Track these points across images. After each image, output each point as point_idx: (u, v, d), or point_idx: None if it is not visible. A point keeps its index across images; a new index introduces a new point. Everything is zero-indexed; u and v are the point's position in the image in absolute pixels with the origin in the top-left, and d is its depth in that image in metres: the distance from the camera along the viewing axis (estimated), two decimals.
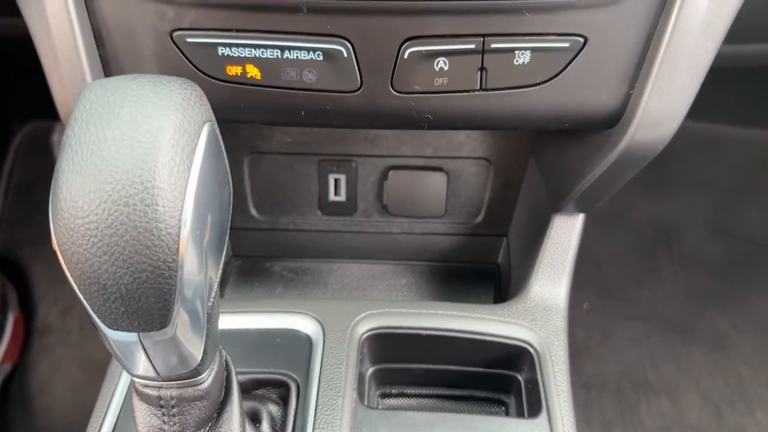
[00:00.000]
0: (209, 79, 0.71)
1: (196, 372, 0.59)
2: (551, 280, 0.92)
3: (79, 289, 0.52)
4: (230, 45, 0.69)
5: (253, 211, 1.21)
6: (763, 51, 1.37)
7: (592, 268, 1.90)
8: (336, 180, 1.17)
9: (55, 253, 0.52)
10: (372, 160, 1.15)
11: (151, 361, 0.57)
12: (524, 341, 0.85)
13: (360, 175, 1.17)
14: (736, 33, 1.15)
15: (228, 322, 0.87)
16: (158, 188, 0.48)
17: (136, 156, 0.49)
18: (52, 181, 0.51)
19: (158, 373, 0.58)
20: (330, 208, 1.20)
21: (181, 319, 0.54)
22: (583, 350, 1.77)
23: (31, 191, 2.06)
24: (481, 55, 0.69)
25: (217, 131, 0.56)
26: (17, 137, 2.13)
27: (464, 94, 0.72)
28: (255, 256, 1.22)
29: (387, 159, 1.15)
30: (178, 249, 0.50)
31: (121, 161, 0.49)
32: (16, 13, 0.85)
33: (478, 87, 0.72)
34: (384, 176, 1.17)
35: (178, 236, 0.50)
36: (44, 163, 2.04)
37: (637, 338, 1.80)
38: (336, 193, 1.18)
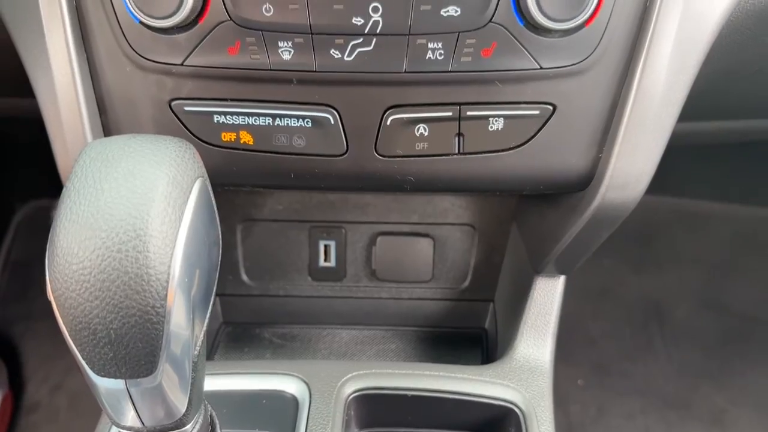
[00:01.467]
0: (205, 144, 0.76)
1: (181, 423, 0.60)
2: (536, 341, 0.93)
3: (69, 335, 0.54)
4: (225, 113, 0.75)
5: (245, 277, 1.23)
6: (741, 128, 1.44)
7: (586, 344, 1.90)
8: (326, 246, 1.20)
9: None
10: (361, 226, 1.19)
11: (137, 411, 0.58)
12: (510, 402, 0.86)
13: (349, 241, 1.21)
14: (716, 111, 1.23)
15: (215, 384, 0.87)
16: (150, 236, 0.52)
17: (131, 206, 0.52)
18: (50, 231, 0.55)
19: (144, 424, 0.59)
20: (320, 274, 1.23)
21: (167, 367, 0.55)
22: (578, 427, 1.74)
23: (27, 269, 2.08)
24: (458, 122, 0.74)
25: (209, 187, 0.60)
26: (17, 215, 2.18)
27: (443, 157, 0.77)
28: (245, 322, 1.24)
29: (375, 225, 1.19)
30: (166, 295, 0.53)
31: (116, 210, 0.52)
32: (19, 94, 0.91)
33: (456, 151, 0.76)
34: (372, 242, 1.21)
35: (167, 283, 0.53)
36: (42, 242, 2.07)
37: (633, 414, 1.78)
38: (326, 258, 1.21)
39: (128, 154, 0.56)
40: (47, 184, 2.11)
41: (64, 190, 0.55)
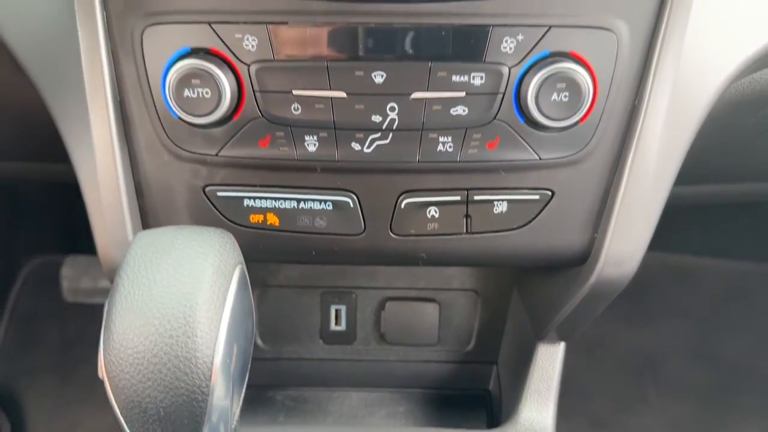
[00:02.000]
0: (235, 225, 0.83)
1: None
2: (539, 406, 0.99)
3: (121, 413, 0.60)
4: (254, 197, 0.82)
5: (259, 341, 1.29)
6: (726, 191, 1.53)
7: (581, 398, 1.94)
8: (337, 311, 1.26)
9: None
10: (370, 291, 1.25)
11: None
12: None
13: (359, 305, 1.27)
14: (701, 178, 1.31)
15: None
16: (198, 322, 0.58)
17: (180, 295, 0.59)
18: (104, 317, 0.61)
19: None
20: (331, 338, 1.29)
21: None
22: None
23: (32, 324, 2.11)
24: (465, 205, 0.82)
25: (246, 271, 0.67)
26: (24, 270, 2.22)
27: (452, 236, 0.84)
28: (258, 385, 1.28)
29: (384, 291, 1.25)
30: (211, 375, 0.59)
31: (167, 299, 0.59)
32: (25, 158, 0.95)
33: (464, 231, 0.84)
34: (381, 307, 1.27)
35: (212, 364, 0.59)
36: (48, 297, 2.11)
37: None
38: (337, 322, 1.27)
39: (177, 246, 0.63)
40: (54, 239, 2.17)
41: (117, 278, 0.62)
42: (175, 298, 0.59)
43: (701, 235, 2.10)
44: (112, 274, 0.84)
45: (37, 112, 0.83)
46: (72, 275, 2.01)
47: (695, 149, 0.84)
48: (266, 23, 0.72)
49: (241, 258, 0.66)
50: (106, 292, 2.04)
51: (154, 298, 0.59)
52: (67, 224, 2.12)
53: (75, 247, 2.08)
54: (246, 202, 0.82)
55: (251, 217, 0.83)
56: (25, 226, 2.17)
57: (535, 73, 0.73)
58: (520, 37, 0.73)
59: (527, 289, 1.13)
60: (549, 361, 1.03)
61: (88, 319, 1.93)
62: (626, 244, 0.83)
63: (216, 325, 0.59)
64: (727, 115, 0.92)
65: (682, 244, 2.08)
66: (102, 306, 0.60)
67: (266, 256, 0.87)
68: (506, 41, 0.73)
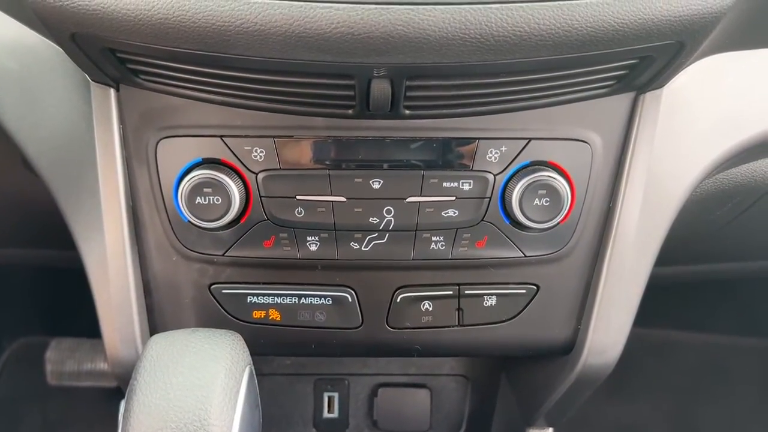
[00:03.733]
0: (238, 321, 0.87)
1: None
2: None
3: None
4: (257, 294, 0.87)
5: None
6: (699, 270, 1.62)
7: None
8: (330, 398, 1.29)
9: None
10: (363, 378, 1.28)
11: None
12: None
13: (352, 392, 1.30)
14: (676, 258, 1.38)
15: None
16: (212, 425, 0.62)
17: (196, 400, 0.63)
18: (122, 420, 0.64)
19: None
20: (324, 425, 1.30)
21: None
22: None
23: (14, 406, 2.07)
24: (457, 299, 0.88)
25: (253, 371, 0.71)
26: (6, 352, 2.19)
27: (446, 329, 0.89)
28: None
29: (376, 377, 1.28)
30: None
31: (184, 403, 0.62)
32: (19, 245, 0.97)
33: (457, 323, 0.89)
34: (374, 393, 1.30)
35: None
36: (31, 379, 2.08)
37: None
38: (329, 410, 1.29)
39: (190, 350, 0.67)
40: (38, 321, 2.15)
41: (134, 381, 0.65)
42: (191, 402, 0.63)
43: (678, 309, 2.17)
44: (118, 369, 0.87)
45: (39, 203, 0.87)
46: (56, 358, 2.00)
47: (669, 238, 0.91)
48: (273, 137, 0.79)
49: (250, 359, 0.70)
50: (90, 375, 2.02)
51: (171, 401, 0.63)
52: (52, 306, 2.12)
53: (59, 329, 2.07)
54: (249, 298, 0.87)
55: (254, 313, 0.87)
56: (9, 306, 2.16)
57: (518, 180, 0.80)
58: (503, 149, 0.80)
59: (515, 376, 1.17)
60: None
61: (71, 402, 1.91)
62: (608, 334, 0.89)
63: (228, 426, 0.63)
64: (695, 210, 0.99)
65: (660, 319, 2.14)
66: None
67: (267, 350, 0.91)
68: (491, 152, 0.80)
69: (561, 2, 0.63)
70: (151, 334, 0.81)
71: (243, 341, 0.71)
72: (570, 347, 0.92)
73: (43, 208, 0.88)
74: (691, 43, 0.71)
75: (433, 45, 0.63)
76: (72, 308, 2.06)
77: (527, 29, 0.63)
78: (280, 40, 0.63)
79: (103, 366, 1.84)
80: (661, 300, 2.03)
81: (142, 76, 0.76)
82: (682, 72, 0.81)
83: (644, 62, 0.73)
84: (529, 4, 0.62)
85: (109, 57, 0.72)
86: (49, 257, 1.54)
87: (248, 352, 0.70)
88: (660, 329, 2.17)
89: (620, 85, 0.78)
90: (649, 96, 0.81)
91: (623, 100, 0.81)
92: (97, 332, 0.86)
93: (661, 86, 0.81)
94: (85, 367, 1.98)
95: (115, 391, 1.82)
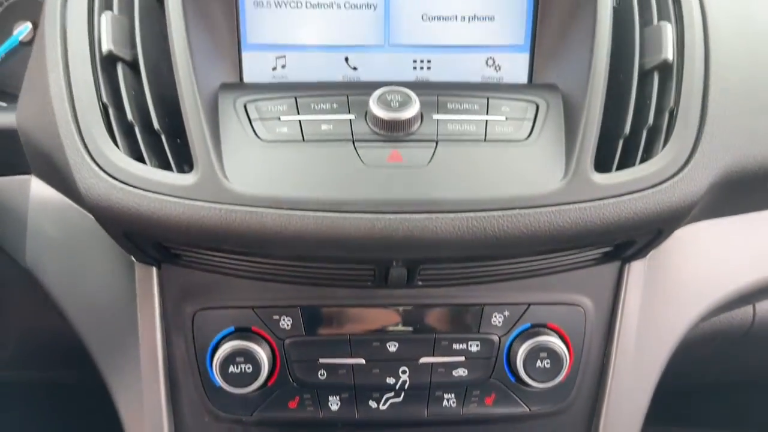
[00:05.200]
0: None
1: None
2: None
3: None
4: None
5: None
6: None
7: None
8: None
9: None
10: None
11: None
12: None
13: None
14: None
15: None
16: None
17: None
18: None
19: None
20: None
21: None
22: None
23: None
24: None
25: None
26: None
27: None
28: None
29: None
30: None
31: None
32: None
33: None
34: None
35: None
36: None
37: None
38: None
39: None
40: None
41: None
42: None
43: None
44: None
45: (69, 346, 0.93)
46: None
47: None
48: (299, 306, 0.88)
49: None
50: None
51: None
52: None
53: None
54: None
55: None
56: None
57: (521, 342, 0.88)
58: (506, 313, 0.89)
59: None
60: None
61: None
62: None
63: None
64: (682, 353, 1.07)
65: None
66: None
67: None
68: (495, 316, 0.89)
69: (553, 208, 0.73)
70: None
71: None
72: None
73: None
74: (668, 229, 0.81)
75: (447, 245, 0.73)
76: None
77: (525, 231, 0.73)
78: (312, 243, 0.73)
79: None
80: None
81: (184, 259, 0.85)
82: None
83: (627, 243, 0.83)
84: (527, 210, 0.73)
85: (156, 247, 0.81)
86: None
87: None
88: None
89: (606, 258, 0.88)
90: (634, 264, 0.91)
91: (611, 267, 0.91)
92: None
93: (644, 256, 0.91)
94: None
95: None
